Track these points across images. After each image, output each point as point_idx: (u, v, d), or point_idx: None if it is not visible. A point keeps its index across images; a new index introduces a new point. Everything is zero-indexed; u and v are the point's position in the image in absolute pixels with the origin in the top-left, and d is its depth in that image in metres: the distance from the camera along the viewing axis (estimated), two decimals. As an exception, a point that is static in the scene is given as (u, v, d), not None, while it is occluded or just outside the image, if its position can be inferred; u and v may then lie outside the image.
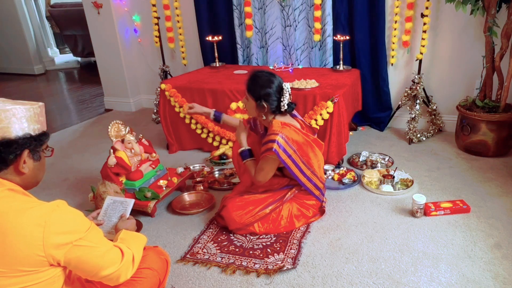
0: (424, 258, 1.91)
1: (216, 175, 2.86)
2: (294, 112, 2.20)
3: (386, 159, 2.95)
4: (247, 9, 3.55)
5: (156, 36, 3.97)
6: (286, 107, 2.05)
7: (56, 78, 6.69)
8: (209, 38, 3.65)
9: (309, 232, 2.16)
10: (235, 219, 2.11)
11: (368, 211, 2.33)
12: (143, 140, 2.60)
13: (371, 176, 2.64)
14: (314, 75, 3.17)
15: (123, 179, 2.44)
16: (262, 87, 2.03)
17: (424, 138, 3.25)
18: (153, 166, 2.57)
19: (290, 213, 2.17)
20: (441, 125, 3.40)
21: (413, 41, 3.30)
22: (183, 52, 4.12)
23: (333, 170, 2.77)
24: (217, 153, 3.07)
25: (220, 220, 2.23)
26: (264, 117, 2.09)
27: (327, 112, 2.72)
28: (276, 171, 2.16)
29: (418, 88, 3.17)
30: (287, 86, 2.04)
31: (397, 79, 3.50)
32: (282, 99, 2.03)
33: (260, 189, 2.20)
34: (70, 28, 6.75)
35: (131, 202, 1.76)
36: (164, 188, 2.48)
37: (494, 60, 2.82)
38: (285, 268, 1.88)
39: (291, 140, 2.02)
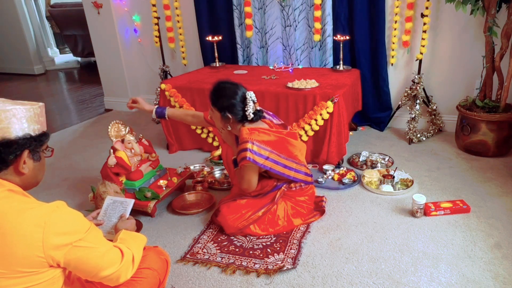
0: (424, 258, 1.91)
1: (216, 175, 2.86)
2: (265, 115, 2.17)
3: (386, 159, 2.95)
4: (247, 9, 3.55)
5: (156, 36, 3.97)
6: (252, 115, 2.03)
7: (56, 78, 6.69)
8: (209, 38, 3.65)
9: (309, 232, 2.16)
10: (229, 223, 2.12)
11: (368, 211, 2.33)
12: (143, 140, 2.60)
13: (371, 176, 2.64)
14: (314, 75, 3.17)
15: (123, 179, 2.44)
16: (225, 98, 2.01)
17: (424, 138, 3.25)
18: (153, 166, 2.57)
19: (286, 212, 2.17)
20: (441, 125, 3.41)
21: (413, 41, 3.30)
22: (183, 52, 4.12)
23: (333, 170, 2.77)
24: (217, 153, 3.07)
25: (216, 221, 2.24)
26: (230, 128, 2.08)
27: (327, 112, 2.72)
28: (263, 173, 2.17)
29: (418, 88, 3.17)
30: (250, 94, 2.02)
31: (397, 79, 3.50)
32: (246, 109, 2.01)
33: (252, 193, 2.20)
34: (70, 28, 6.75)
35: (131, 202, 1.76)
36: (164, 188, 2.48)
37: (494, 60, 2.82)
38: (285, 268, 1.88)
39: (263, 143, 2.01)
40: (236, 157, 2.07)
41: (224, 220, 2.14)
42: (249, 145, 1.97)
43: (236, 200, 2.19)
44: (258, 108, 2.09)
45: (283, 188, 2.18)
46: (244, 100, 2.02)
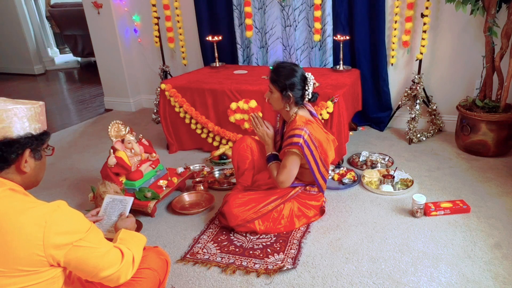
0: (424, 258, 1.91)
1: (216, 175, 2.86)
2: (313, 112, 2.21)
3: (386, 159, 2.95)
4: (247, 9, 3.55)
5: (156, 36, 3.97)
6: (310, 96, 2.06)
7: (56, 78, 6.69)
8: (209, 38, 3.65)
9: (309, 232, 2.16)
10: (236, 214, 2.11)
11: (368, 211, 2.33)
12: (143, 140, 2.60)
13: (371, 176, 2.64)
14: (314, 75, 3.12)
15: (123, 179, 2.44)
16: (286, 77, 2.03)
17: (424, 138, 3.25)
18: (153, 166, 2.57)
19: (291, 212, 2.17)
20: (441, 125, 3.41)
21: (413, 41, 3.30)
22: (183, 52, 4.12)
23: (333, 170, 2.77)
24: (217, 153, 3.07)
25: (222, 219, 2.23)
26: (288, 109, 2.09)
27: (327, 112, 2.72)
28: None
29: (418, 88, 3.17)
30: (310, 75, 2.05)
31: (397, 79, 3.50)
32: (306, 88, 2.04)
33: (264, 186, 2.19)
34: (70, 28, 6.75)
35: (130, 200, 1.76)
36: (164, 188, 2.48)
37: (494, 60, 2.82)
38: (285, 268, 1.88)
39: (314, 137, 2.03)
40: (284, 142, 2.07)
41: (230, 211, 2.12)
42: (303, 133, 1.99)
43: (244, 192, 2.19)
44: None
45: (298, 188, 2.19)
46: (304, 79, 2.04)
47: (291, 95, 2.03)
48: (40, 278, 1.09)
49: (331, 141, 2.17)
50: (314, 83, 2.06)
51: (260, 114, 2.97)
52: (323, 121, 2.76)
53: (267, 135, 2.21)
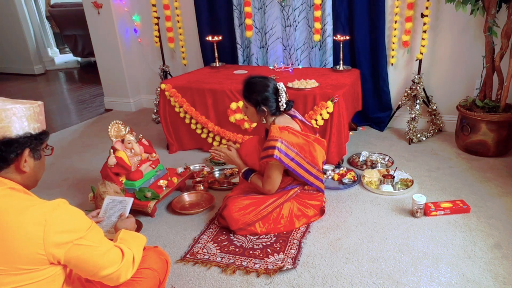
0: (424, 258, 1.91)
1: (216, 175, 2.86)
2: (295, 113, 2.21)
3: (386, 159, 2.95)
4: (247, 9, 3.55)
5: (156, 36, 3.97)
6: (285, 106, 2.08)
7: (56, 78, 6.69)
8: (209, 38, 3.65)
9: (309, 232, 2.16)
10: (237, 218, 2.11)
11: (368, 211, 2.33)
12: (143, 140, 2.60)
13: (371, 176, 2.63)
14: (314, 75, 3.17)
15: (123, 179, 2.44)
16: (258, 92, 2.05)
17: (424, 138, 3.25)
18: (153, 166, 2.57)
19: (291, 212, 2.17)
20: (441, 125, 3.41)
21: (413, 41, 3.30)
22: (183, 52, 4.12)
23: (333, 170, 2.77)
24: (217, 153, 3.06)
25: (221, 220, 2.23)
26: (265, 121, 2.12)
27: (327, 112, 2.72)
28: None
29: (418, 88, 3.17)
30: (281, 85, 2.07)
31: (397, 79, 3.50)
32: (279, 99, 2.06)
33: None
34: (70, 28, 6.76)
35: (130, 200, 1.76)
36: (164, 188, 2.48)
37: (494, 60, 2.82)
38: (285, 268, 1.88)
39: (291, 144, 2.03)
40: (261, 153, 2.08)
41: (230, 216, 2.12)
42: (278, 144, 1.99)
43: (243, 196, 2.20)
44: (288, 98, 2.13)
45: (296, 189, 2.19)
46: (276, 91, 2.06)
47: (265, 109, 2.06)
48: (40, 276, 1.09)
49: (314, 141, 2.15)
50: (286, 93, 2.08)
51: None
52: (322, 121, 2.77)
53: (231, 156, 2.27)
